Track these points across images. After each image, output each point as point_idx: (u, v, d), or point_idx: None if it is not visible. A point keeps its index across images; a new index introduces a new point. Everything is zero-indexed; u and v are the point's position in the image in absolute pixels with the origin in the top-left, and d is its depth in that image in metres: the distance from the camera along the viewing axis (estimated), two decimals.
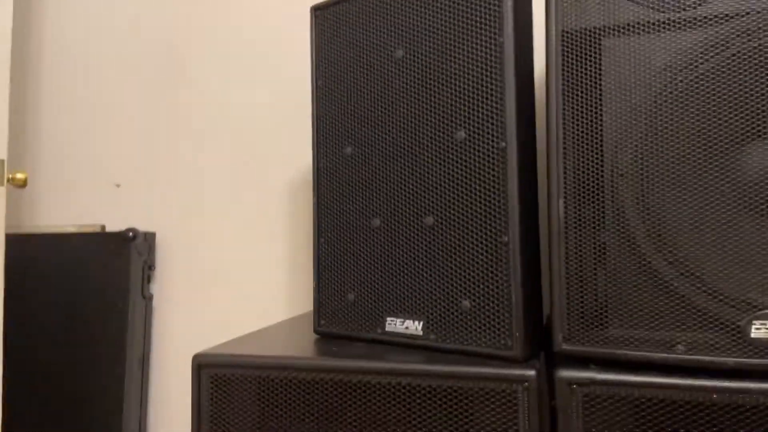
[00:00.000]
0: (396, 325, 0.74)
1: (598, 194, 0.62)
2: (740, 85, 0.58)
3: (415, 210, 0.73)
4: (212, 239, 1.33)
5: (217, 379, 0.73)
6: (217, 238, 1.32)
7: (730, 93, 0.58)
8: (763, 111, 0.57)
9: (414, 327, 0.72)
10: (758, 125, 0.57)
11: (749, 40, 0.58)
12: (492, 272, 0.66)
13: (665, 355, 0.57)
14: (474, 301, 0.67)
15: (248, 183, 1.29)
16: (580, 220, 0.62)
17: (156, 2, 1.40)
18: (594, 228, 0.62)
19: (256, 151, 1.27)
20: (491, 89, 0.66)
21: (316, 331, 0.84)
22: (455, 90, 0.70)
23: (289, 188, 1.21)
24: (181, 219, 1.36)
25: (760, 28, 0.57)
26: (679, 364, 0.57)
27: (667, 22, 0.60)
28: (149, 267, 1.33)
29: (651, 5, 0.61)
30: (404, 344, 0.73)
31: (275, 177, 1.23)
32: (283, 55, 1.26)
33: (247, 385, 0.73)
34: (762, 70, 0.57)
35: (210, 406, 0.74)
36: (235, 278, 1.31)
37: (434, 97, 0.71)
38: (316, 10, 0.86)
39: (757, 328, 0.54)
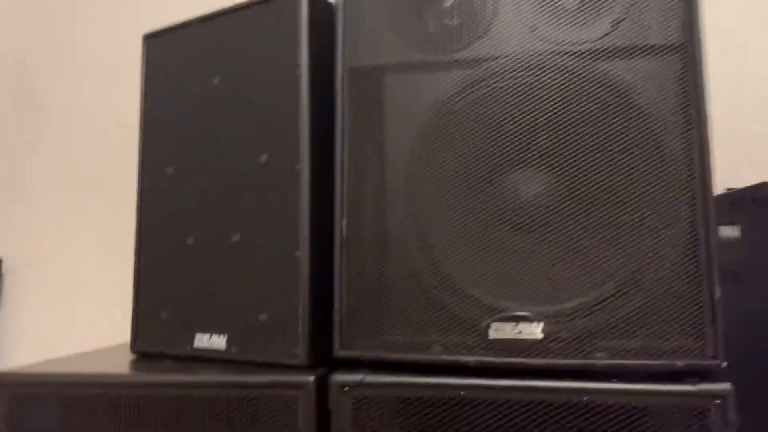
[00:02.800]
0: (204, 340, 0.76)
1: (378, 213, 0.69)
2: (494, 119, 0.67)
3: (225, 228, 0.76)
4: (60, 263, 1.29)
5: (14, 397, 0.72)
6: (64, 261, 1.29)
7: (485, 126, 0.67)
8: (515, 144, 0.66)
9: (218, 341, 0.75)
10: (514, 156, 0.66)
11: (500, 80, 0.67)
12: (286, 286, 0.70)
13: (424, 356, 0.64)
14: (270, 314, 0.71)
15: (96, 206, 1.27)
16: (361, 236, 0.68)
17: (6, 25, 1.38)
18: (373, 243, 0.68)
19: (104, 174, 1.27)
20: (289, 116, 0.72)
21: (133, 351, 0.84)
22: (260, 116, 0.75)
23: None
24: (28, 243, 1.32)
25: (508, 70, 0.67)
26: (435, 364, 0.63)
27: (435, 63, 0.69)
28: None
29: (423, 49, 0.70)
30: (211, 358, 0.75)
31: (122, 199, 1.22)
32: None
33: (45, 404, 0.72)
34: (511, 107, 0.66)
35: (9, 426, 0.72)
36: (82, 301, 1.28)
37: (243, 122, 0.76)
38: (147, 37, 0.90)
39: (495, 330, 0.62)
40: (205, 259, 0.78)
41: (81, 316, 1.27)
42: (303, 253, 0.69)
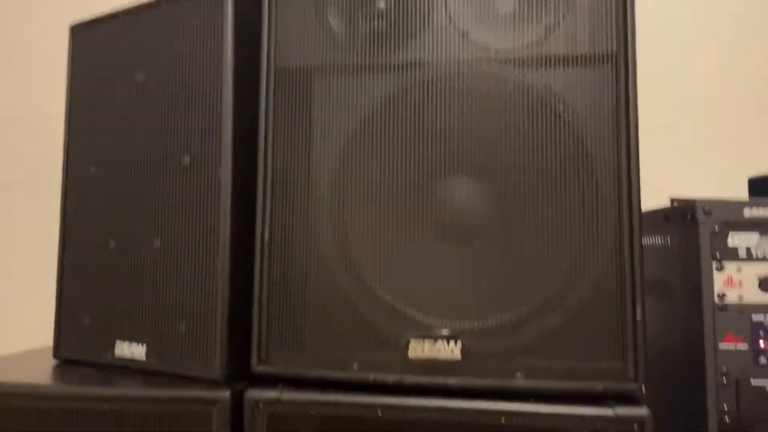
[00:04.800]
0: (124, 349, 0.73)
1: (302, 222, 0.66)
2: (422, 126, 0.64)
3: (146, 233, 0.73)
4: None
5: None
6: None
7: (413, 133, 0.64)
8: (443, 152, 0.63)
9: (138, 351, 0.72)
10: (441, 165, 0.64)
11: (430, 86, 0.64)
12: (205, 296, 0.67)
13: (342, 373, 0.62)
14: (189, 325, 0.68)
15: (20, 204, 1.23)
16: (283, 246, 0.66)
17: None
18: (297, 254, 0.65)
19: (30, 171, 1.22)
20: (212, 119, 0.69)
21: (55, 356, 0.81)
22: (184, 116, 0.71)
23: None
24: None
25: (438, 76, 0.64)
26: (355, 382, 0.61)
27: (365, 66, 0.66)
28: None
29: (353, 51, 0.67)
30: (131, 368, 0.72)
31: (46, 197, 1.18)
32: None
33: None
34: (440, 114, 0.64)
35: None
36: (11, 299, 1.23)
37: (167, 122, 0.73)
38: (74, 28, 0.85)
39: (414, 348, 0.60)
40: (127, 263, 0.74)
41: (9, 315, 1.23)
42: (222, 262, 0.66)
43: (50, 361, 0.81)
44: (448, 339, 0.60)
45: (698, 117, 1.08)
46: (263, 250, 0.66)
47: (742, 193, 0.86)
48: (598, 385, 0.57)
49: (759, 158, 1.05)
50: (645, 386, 0.57)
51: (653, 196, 0.94)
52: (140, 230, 0.73)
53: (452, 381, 0.59)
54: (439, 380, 0.59)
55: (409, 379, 0.60)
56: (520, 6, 0.63)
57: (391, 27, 0.66)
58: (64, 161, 0.83)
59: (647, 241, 0.71)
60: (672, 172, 1.07)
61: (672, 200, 0.89)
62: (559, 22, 0.62)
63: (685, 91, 1.10)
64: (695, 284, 0.57)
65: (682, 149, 1.07)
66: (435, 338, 0.60)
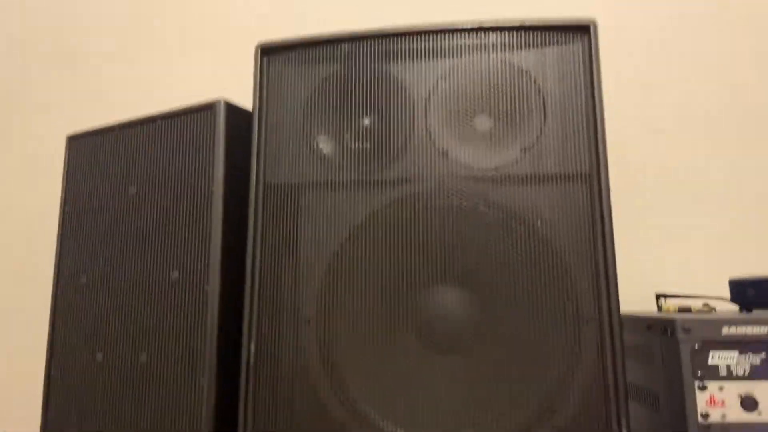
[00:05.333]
0: None
1: (289, 338, 0.66)
2: (406, 241, 0.66)
3: (133, 347, 0.73)
4: None
5: None
6: None
7: (397, 248, 0.66)
8: (427, 266, 0.65)
9: None
10: (426, 278, 0.65)
11: (414, 203, 0.66)
12: (189, 418, 0.67)
13: None
14: None
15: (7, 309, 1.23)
16: (269, 362, 0.66)
17: None
18: (283, 369, 0.66)
19: (23, 276, 1.23)
20: (202, 233, 0.70)
21: None
22: (174, 230, 0.73)
23: None
24: None
25: (420, 193, 0.66)
26: None
27: (351, 183, 0.68)
28: None
29: (340, 168, 0.69)
30: None
31: (36, 305, 1.18)
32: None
33: None
34: (423, 230, 0.66)
35: None
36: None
37: (157, 235, 0.74)
38: (71, 139, 0.88)
39: None
40: (114, 378, 0.74)
41: None
42: (209, 380, 0.66)
43: None
44: None
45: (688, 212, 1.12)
46: (248, 366, 0.66)
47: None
48: None
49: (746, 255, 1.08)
50: None
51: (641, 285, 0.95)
52: (128, 344, 0.73)
53: None
54: None
55: None
56: (496, 126, 0.66)
57: (375, 146, 0.69)
58: (54, 270, 0.84)
59: (634, 341, 0.71)
60: (661, 263, 1.09)
61: (657, 296, 0.90)
62: (533, 141, 0.65)
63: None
64: (679, 400, 0.57)
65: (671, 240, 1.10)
66: None
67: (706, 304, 0.77)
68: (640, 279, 1.05)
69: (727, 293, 0.99)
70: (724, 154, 1.12)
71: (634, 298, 0.96)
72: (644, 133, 1.14)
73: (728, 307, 0.84)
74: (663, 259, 1.08)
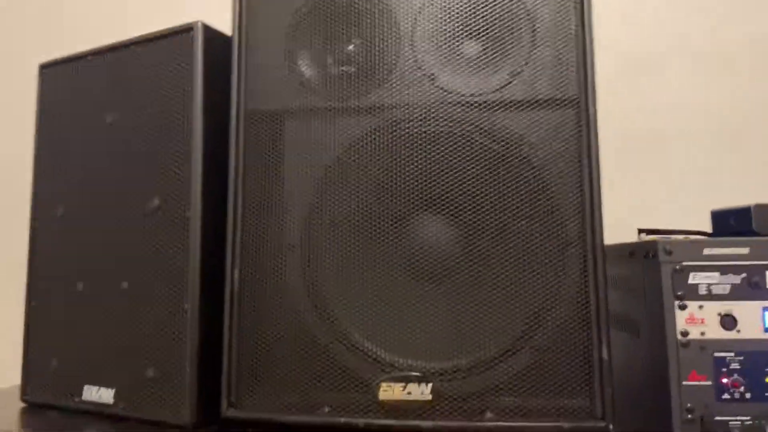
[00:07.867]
0: (91, 393, 0.72)
1: (272, 265, 0.66)
2: (391, 168, 0.65)
3: (114, 275, 0.72)
4: None
5: None
6: None
7: (382, 175, 0.65)
8: (412, 194, 0.64)
9: (106, 395, 0.71)
10: (411, 206, 0.64)
11: (399, 129, 0.65)
12: (174, 340, 0.67)
13: (312, 417, 0.61)
14: (158, 369, 0.67)
15: None
16: (253, 289, 0.66)
17: None
18: (267, 297, 0.65)
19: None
20: (182, 158, 0.69)
21: (22, 399, 0.79)
22: (153, 157, 0.71)
23: None
24: None
25: (406, 119, 0.65)
26: (323, 426, 0.61)
27: (335, 109, 0.67)
28: None
29: (323, 94, 0.68)
30: (98, 413, 0.71)
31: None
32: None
33: None
34: (408, 157, 0.65)
35: None
36: None
37: (136, 162, 0.73)
38: (43, 67, 0.85)
39: (384, 390, 0.60)
40: (95, 306, 0.73)
41: None
42: (192, 305, 0.66)
43: (17, 405, 0.79)
44: (418, 381, 0.60)
45: (670, 150, 1.12)
46: (233, 292, 0.65)
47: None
48: (567, 424, 0.58)
49: (725, 192, 1.09)
50: (613, 423, 0.58)
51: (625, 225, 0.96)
52: (108, 273, 0.73)
53: (422, 423, 0.59)
54: (410, 422, 0.59)
55: (380, 421, 0.60)
56: (484, 50, 0.65)
57: (359, 71, 0.67)
58: (32, 203, 0.82)
59: (616, 272, 0.72)
60: (642, 202, 1.09)
61: (639, 231, 0.91)
62: (522, 66, 0.64)
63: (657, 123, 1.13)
64: (659, 322, 0.58)
65: (653, 180, 1.10)
66: (406, 380, 0.60)
67: (687, 238, 0.77)
68: (623, 215, 1.05)
69: (709, 230, 1.00)
70: (709, 89, 1.12)
71: (617, 233, 0.97)
72: (627, 68, 1.14)
73: None
74: (645, 196, 1.09)
